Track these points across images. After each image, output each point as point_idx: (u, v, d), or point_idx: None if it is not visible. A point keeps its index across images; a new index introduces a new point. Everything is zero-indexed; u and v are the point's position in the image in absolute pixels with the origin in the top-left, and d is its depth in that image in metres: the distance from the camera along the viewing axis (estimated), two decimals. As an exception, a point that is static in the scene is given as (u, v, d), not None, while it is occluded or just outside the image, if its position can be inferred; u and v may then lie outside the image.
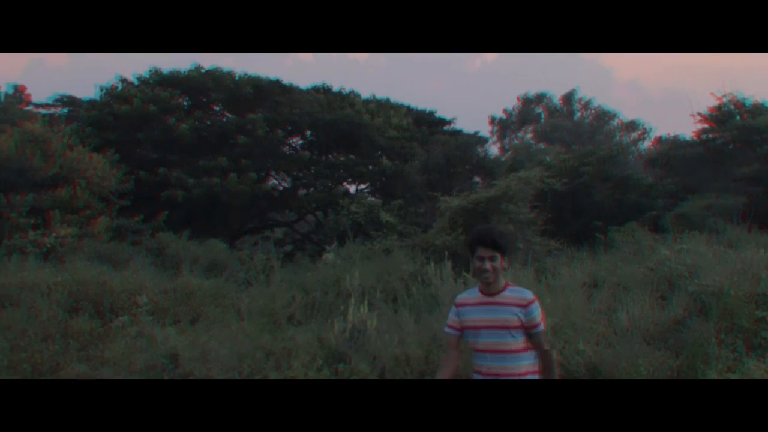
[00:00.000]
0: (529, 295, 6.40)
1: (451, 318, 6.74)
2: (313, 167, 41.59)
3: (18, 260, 20.89)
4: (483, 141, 47.19)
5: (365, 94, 45.62)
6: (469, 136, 45.12)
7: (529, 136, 72.72)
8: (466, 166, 39.82)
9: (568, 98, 75.93)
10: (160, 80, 40.57)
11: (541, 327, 6.36)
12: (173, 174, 35.73)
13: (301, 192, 42.53)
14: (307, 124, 41.36)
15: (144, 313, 15.34)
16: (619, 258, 20.60)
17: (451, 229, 22.99)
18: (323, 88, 44.40)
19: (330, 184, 41.00)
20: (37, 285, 16.71)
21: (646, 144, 67.39)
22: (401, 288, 16.77)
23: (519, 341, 6.33)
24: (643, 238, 24.37)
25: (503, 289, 6.43)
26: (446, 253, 19.02)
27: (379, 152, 41.26)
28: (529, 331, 6.32)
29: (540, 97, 77.08)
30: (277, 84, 42.15)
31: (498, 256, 6.35)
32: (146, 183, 35.18)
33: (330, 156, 42.69)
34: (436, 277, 16.09)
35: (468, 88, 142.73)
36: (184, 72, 40.96)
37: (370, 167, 41.29)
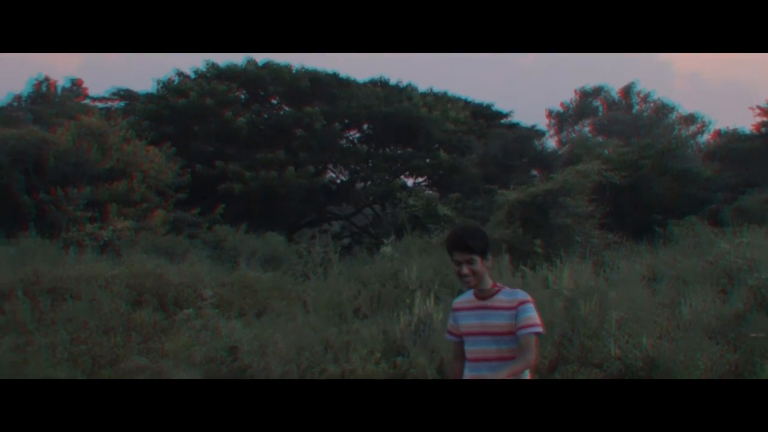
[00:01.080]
0: (522, 295, 5.99)
1: (450, 323, 6.44)
2: (370, 160, 41.69)
3: (75, 253, 21.10)
4: (540, 134, 47.03)
5: (418, 86, 45.63)
6: (526, 129, 44.95)
7: (587, 129, 72.28)
8: (524, 160, 39.73)
9: (627, 91, 75.39)
10: (217, 74, 40.81)
11: (528, 330, 5.81)
12: (230, 167, 35.89)
13: (359, 185, 42.63)
14: (364, 118, 41.45)
15: (209, 306, 15.41)
16: (678, 252, 20.48)
17: (508, 222, 22.94)
18: (380, 81, 44.44)
19: (387, 178, 40.99)
20: (95, 278, 16.87)
21: (705, 137, 67.02)
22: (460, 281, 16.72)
23: (512, 348, 5.88)
24: (702, 231, 24.16)
25: (496, 292, 6.06)
26: (504, 246, 18.98)
27: (437, 145, 41.09)
28: (515, 333, 5.86)
29: (598, 90, 76.57)
30: (334, 77, 42.23)
31: (476, 258, 5.96)
32: (203, 176, 35.42)
33: (387, 149, 42.77)
34: (494, 271, 16.07)
35: (523, 82, 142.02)
36: (241, 65, 41.19)
37: (428, 160, 41.24)
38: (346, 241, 39.59)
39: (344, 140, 43.12)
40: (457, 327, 6.27)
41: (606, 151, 38.07)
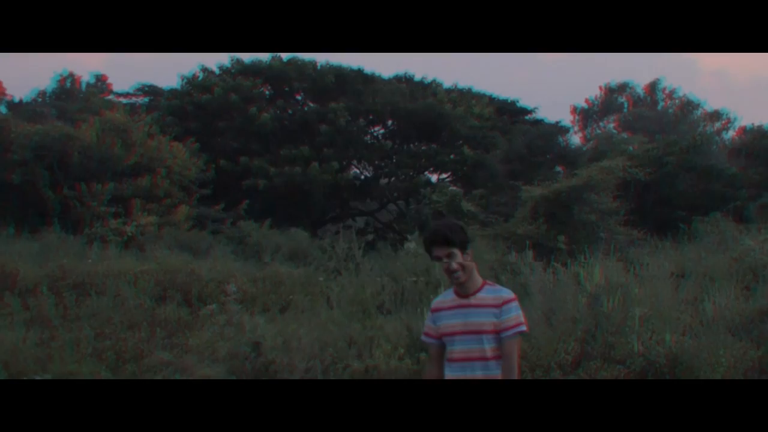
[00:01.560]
0: (506, 293, 5.84)
1: (427, 325, 6.18)
2: (394, 156, 41.76)
3: (99, 248, 21.20)
4: (565, 130, 46.87)
5: (443, 82, 45.67)
6: (551, 125, 44.90)
7: (612, 125, 72.10)
8: (548, 156, 39.65)
9: (653, 87, 75.16)
10: (241, 70, 41.01)
11: (512, 332, 5.72)
12: (255, 163, 36.06)
13: (383, 181, 42.69)
14: (389, 114, 41.47)
15: (232, 301, 15.43)
16: (703, 248, 20.40)
17: (532, 218, 22.88)
18: (405, 77, 44.48)
19: (412, 174, 41.11)
20: (122, 273, 16.96)
21: (731, 134, 66.86)
22: (490, 277, 16.70)
23: (493, 347, 5.76)
24: (727, 228, 24.04)
25: (479, 289, 5.89)
26: (528, 242, 18.96)
27: (461, 141, 41.13)
28: (499, 334, 5.74)
29: (623, 87, 76.35)
30: (359, 73, 42.27)
31: (456, 252, 5.76)
32: (227, 172, 35.61)
33: (412, 145, 42.80)
34: (518, 265, 16.05)
35: (548, 78, 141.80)
36: (266, 61, 41.29)
37: (452, 156, 41.26)
38: (369, 237, 39.59)
39: (368, 136, 43.24)
40: (436, 328, 6.05)
41: (631, 148, 37.92)
